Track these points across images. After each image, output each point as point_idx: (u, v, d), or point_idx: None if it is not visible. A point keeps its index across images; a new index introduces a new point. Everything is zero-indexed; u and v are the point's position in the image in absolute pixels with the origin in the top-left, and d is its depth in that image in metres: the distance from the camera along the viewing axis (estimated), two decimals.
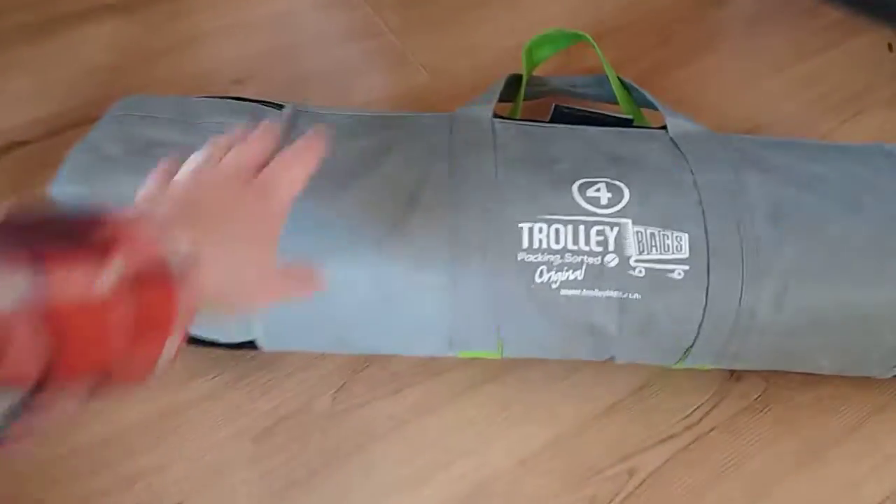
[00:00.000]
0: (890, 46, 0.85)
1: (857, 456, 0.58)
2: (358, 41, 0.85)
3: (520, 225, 0.50)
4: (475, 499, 0.55)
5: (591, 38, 0.68)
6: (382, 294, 0.50)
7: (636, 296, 0.49)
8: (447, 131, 0.56)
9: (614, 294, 0.49)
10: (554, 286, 0.49)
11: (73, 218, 0.31)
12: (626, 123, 0.59)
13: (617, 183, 0.51)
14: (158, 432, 0.56)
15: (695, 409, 0.60)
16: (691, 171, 0.53)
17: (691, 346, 0.52)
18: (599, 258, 0.49)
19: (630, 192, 0.51)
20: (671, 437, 0.59)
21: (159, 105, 0.57)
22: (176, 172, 0.41)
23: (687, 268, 0.49)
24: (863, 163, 0.57)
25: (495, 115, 0.58)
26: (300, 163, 0.43)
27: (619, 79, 0.67)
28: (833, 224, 0.51)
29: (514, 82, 0.67)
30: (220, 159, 0.42)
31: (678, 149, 0.55)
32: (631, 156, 0.54)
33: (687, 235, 0.49)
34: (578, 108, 0.60)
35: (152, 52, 0.81)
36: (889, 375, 0.56)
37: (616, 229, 0.49)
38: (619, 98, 0.67)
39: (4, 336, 0.25)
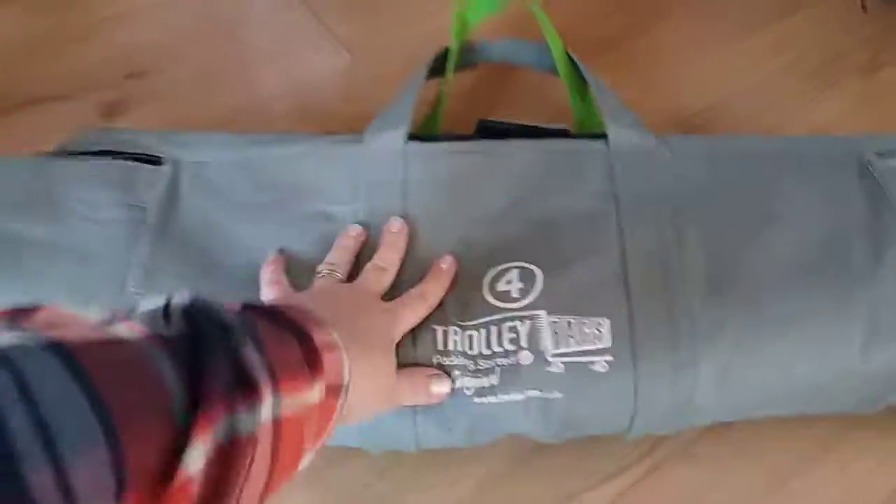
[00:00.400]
0: (864, 6, 0.76)
1: (824, 482, 0.52)
2: (269, 21, 0.76)
3: (434, 326, 0.45)
4: None
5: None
6: None
7: (557, 394, 0.45)
8: (353, 193, 0.50)
9: (533, 394, 0.45)
10: (468, 393, 0.45)
11: (290, 329, 0.31)
12: (561, 135, 0.52)
13: (530, 267, 0.46)
14: None
15: (648, 435, 0.54)
16: (620, 227, 0.47)
17: (627, 432, 0.48)
18: (513, 358, 0.44)
19: (544, 275, 0.45)
20: (622, 470, 0.54)
21: (8, 178, 0.49)
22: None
23: (611, 358, 0.44)
24: (831, 189, 0.49)
25: (412, 137, 0.51)
26: (422, 305, 0.45)
27: (566, 53, 0.58)
28: (783, 290, 0.45)
29: (443, 55, 0.59)
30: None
31: (612, 183, 0.48)
32: (552, 214, 0.48)
33: (608, 322, 0.44)
34: (504, 121, 0.53)
35: (38, 44, 0.74)
36: (873, 412, 0.50)
37: (528, 323, 0.44)
38: (562, 75, 0.58)
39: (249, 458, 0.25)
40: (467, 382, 0.44)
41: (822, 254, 0.46)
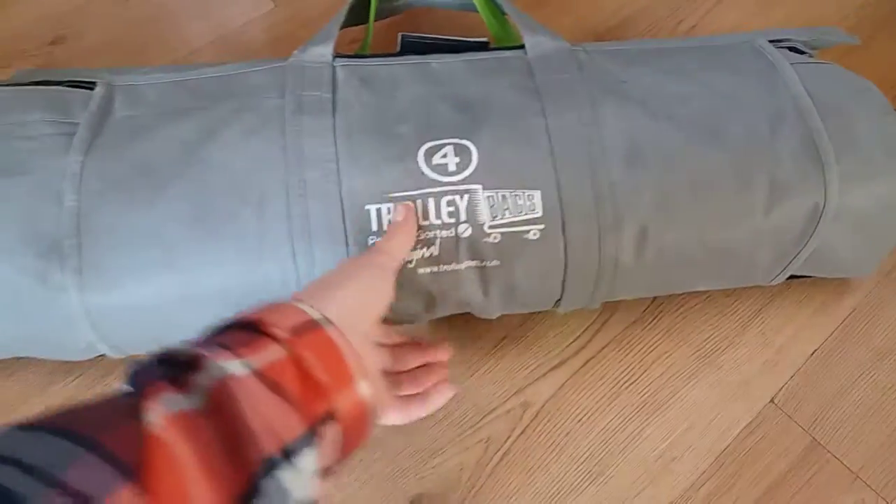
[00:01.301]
0: None
1: (749, 355, 0.57)
2: None
3: (367, 207, 0.47)
4: (369, 449, 0.54)
5: None
6: (228, 302, 0.46)
7: (495, 262, 0.48)
8: (280, 91, 0.51)
9: (473, 264, 0.48)
10: (410, 265, 0.47)
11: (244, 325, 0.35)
12: (481, 47, 0.55)
13: (464, 143, 0.48)
14: None
15: (584, 331, 0.59)
16: (543, 112, 0.49)
17: (559, 299, 0.51)
18: (452, 230, 0.47)
19: (478, 152, 0.47)
20: (562, 362, 0.58)
21: None
22: None
23: (542, 227, 0.47)
24: (729, 70, 0.53)
25: (338, 55, 0.53)
26: (406, 238, 0.46)
27: None
28: (692, 159, 0.49)
29: (363, 2, 0.61)
30: None
31: (532, 79, 0.51)
32: (480, 100, 0.50)
33: (539, 193, 0.47)
34: (426, 35, 0.55)
35: None
36: (774, 282, 0.56)
37: (466, 197, 0.47)
38: (478, 6, 0.61)
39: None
40: (408, 256, 0.47)
41: (725, 123, 0.50)
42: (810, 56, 0.57)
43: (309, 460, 0.31)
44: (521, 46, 0.54)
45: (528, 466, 0.53)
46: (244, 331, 0.34)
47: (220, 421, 0.28)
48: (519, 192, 0.47)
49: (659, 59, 0.54)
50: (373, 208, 0.46)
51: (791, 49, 0.56)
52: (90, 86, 0.52)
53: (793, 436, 0.55)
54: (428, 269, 0.47)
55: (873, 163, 0.50)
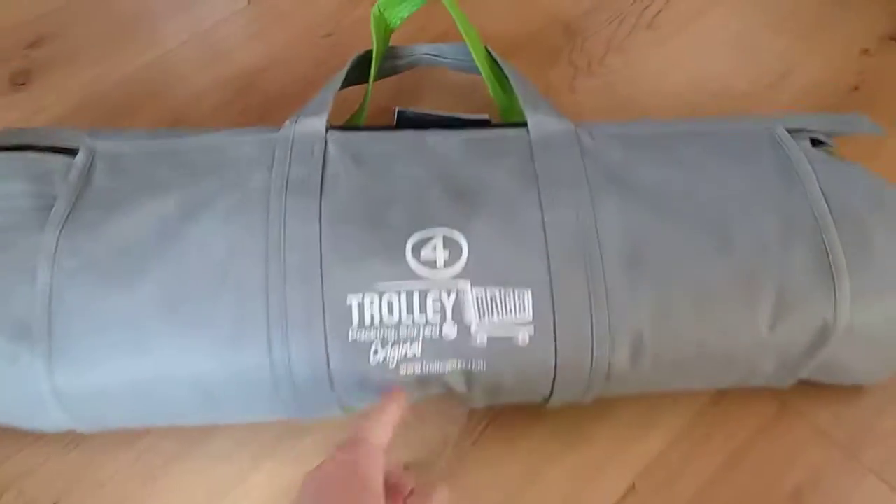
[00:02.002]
0: None
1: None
2: None
3: (349, 298, 0.45)
4: None
5: None
6: (201, 389, 0.46)
7: (481, 366, 0.45)
8: (268, 167, 0.49)
9: (458, 366, 0.45)
10: (391, 366, 0.45)
11: None
12: (482, 125, 0.53)
13: (455, 236, 0.46)
14: None
15: None
16: (541, 205, 0.47)
17: (548, 400, 0.49)
18: (437, 329, 0.45)
19: (469, 246, 0.45)
20: None
21: None
22: None
23: (532, 330, 0.45)
24: (743, 163, 0.50)
25: (331, 127, 0.51)
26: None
27: (486, 49, 0.59)
28: (696, 266, 0.46)
29: (365, 60, 0.59)
30: None
31: (532, 163, 0.49)
32: (475, 185, 0.48)
33: (530, 293, 0.45)
34: (424, 111, 0.53)
35: None
36: (780, 386, 0.53)
37: (453, 295, 0.45)
38: (483, 74, 0.59)
39: None
40: (390, 354, 0.44)
41: (733, 228, 0.47)
42: (830, 147, 0.54)
43: None
44: (525, 124, 0.52)
45: (510, 436, 0.54)
46: None
47: None
48: (510, 291, 0.45)
49: (666, 148, 0.51)
50: (354, 301, 0.44)
51: (812, 140, 0.53)
52: (73, 151, 0.50)
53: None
54: (409, 370, 0.45)
55: (889, 279, 0.47)
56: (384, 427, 0.42)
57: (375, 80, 0.61)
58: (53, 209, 0.47)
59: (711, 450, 0.54)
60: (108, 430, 0.52)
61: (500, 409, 0.55)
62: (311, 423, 0.54)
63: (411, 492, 0.42)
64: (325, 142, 0.50)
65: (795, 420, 0.56)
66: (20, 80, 0.72)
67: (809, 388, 0.56)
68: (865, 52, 0.76)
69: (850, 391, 0.56)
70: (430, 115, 0.53)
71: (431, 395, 0.48)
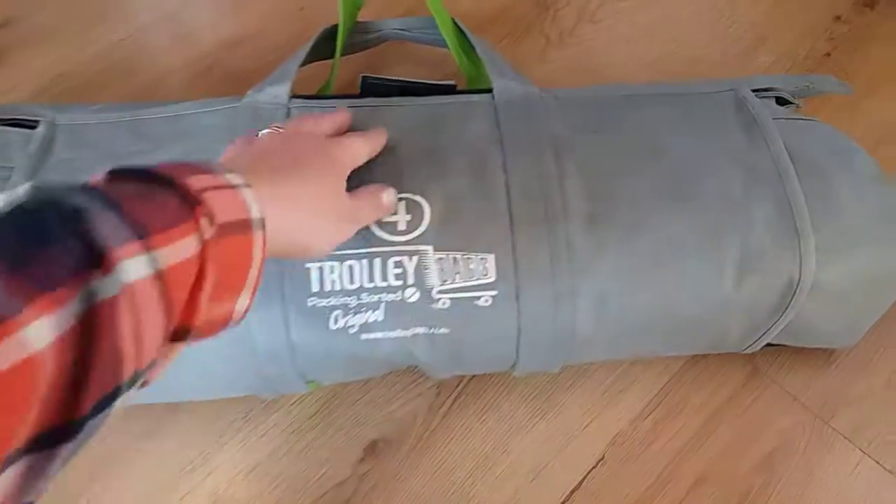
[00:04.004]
0: None
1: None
2: None
3: (307, 265, 0.44)
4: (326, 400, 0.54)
5: None
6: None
7: (444, 330, 0.45)
8: (231, 133, 0.47)
9: (420, 331, 0.45)
10: (352, 331, 0.44)
11: (156, 179, 0.30)
12: (447, 91, 0.52)
13: (417, 199, 0.45)
14: None
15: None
16: (505, 166, 0.46)
17: (514, 365, 0.49)
18: (399, 293, 0.44)
19: (431, 210, 0.45)
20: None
21: None
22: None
23: (495, 293, 0.44)
24: (707, 123, 0.50)
25: (295, 96, 0.50)
26: (365, 141, 0.44)
27: (454, 21, 0.58)
28: (660, 222, 0.45)
29: (332, 34, 0.58)
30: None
31: (498, 127, 0.48)
32: (439, 151, 0.47)
33: (493, 256, 0.44)
34: (389, 77, 0.52)
35: None
36: (748, 351, 0.53)
37: (415, 259, 0.44)
38: (450, 45, 0.58)
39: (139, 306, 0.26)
40: (351, 321, 0.44)
41: (697, 184, 0.47)
42: (797, 107, 0.54)
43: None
44: (491, 90, 0.51)
45: (480, 407, 0.54)
46: (179, 200, 0.29)
47: (88, 345, 0.25)
48: (472, 255, 0.44)
49: (632, 109, 0.51)
50: (314, 267, 0.44)
51: (778, 100, 0.53)
52: (33, 124, 0.49)
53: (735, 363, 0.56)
54: (371, 335, 0.44)
55: (853, 234, 0.46)
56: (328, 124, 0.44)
57: (343, 55, 0.60)
58: (9, 181, 0.46)
59: (683, 418, 0.54)
60: None
61: (469, 382, 0.55)
62: (277, 401, 0.54)
63: None
64: (288, 109, 0.49)
65: (767, 387, 0.56)
66: None
67: (780, 355, 0.56)
68: (838, 18, 0.76)
69: (820, 357, 0.56)
70: (394, 81, 0.52)
71: (397, 368, 0.48)
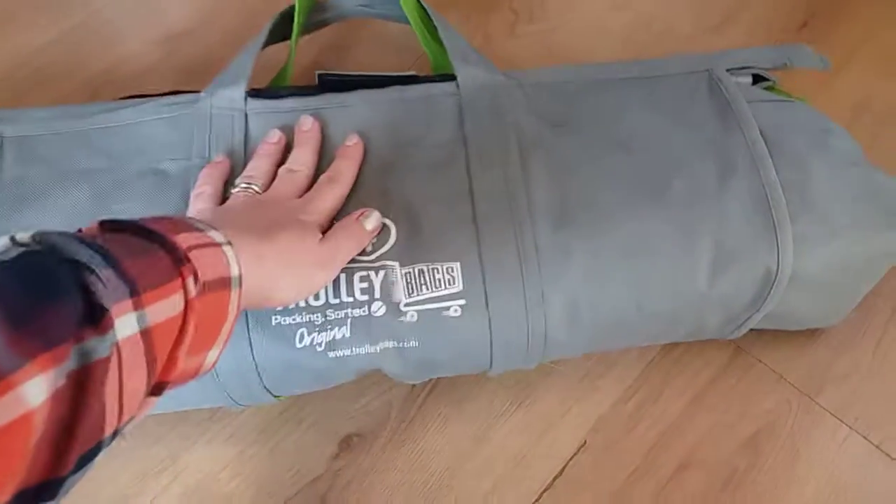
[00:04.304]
0: None
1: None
2: None
3: None
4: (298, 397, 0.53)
5: None
6: None
7: (413, 343, 0.43)
8: (186, 148, 0.47)
9: (389, 345, 0.44)
10: (319, 349, 0.43)
11: (148, 235, 0.31)
12: (408, 81, 0.50)
13: (385, 222, 0.44)
14: None
15: None
16: (468, 169, 0.45)
17: (488, 370, 0.48)
18: (365, 308, 0.43)
19: (397, 229, 0.44)
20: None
21: None
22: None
23: (463, 302, 0.43)
24: (679, 109, 0.48)
25: (252, 92, 0.49)
26: (332, 190, 0.44)
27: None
28: (629, 219, 0.44)
29: (290, 15, 0.56)
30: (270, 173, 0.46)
31: (461, 126, 0.47)
32: (401, 158, 0.46)
33: (459, 265, 0.43)
34: (346, 73, 0.51)
35: None
36: (731, 337, 0.52)
37: (382, 273, 0.43)
38: (412, 23, 0.56)
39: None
40: (317, 339, 0.43)
41: (669, 178, 0.45)
42: (772, 82, 0.52)
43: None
44: (454, 77, 0.49)
45: (456, 397, 0.53)
46: (170, 258, 0.30)
47: (77, 403, 0.25)
48: (437, 266, 0.43)
49: (601, 97, 0.49)
50: None
51: (754, 77, 0.51)
52: None
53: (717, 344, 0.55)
54: (339, 353, 0.43)
55: (832, 222, 0.44)
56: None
57: (301, 34, 0.57)
58: None
59: (665, 400, 0.53)
60: None
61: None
62: None
63: None
64: (245, 115, 0.48)
65: (752, 365, 0.55)
66: None
67: (764, 334, 0.55)
68: None
69: (805, 335, 0.55)
70: (353, 76, 0.51)
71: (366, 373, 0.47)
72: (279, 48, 0.58)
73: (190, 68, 0.69)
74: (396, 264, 0.43)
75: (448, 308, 0.43)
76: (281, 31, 0.56)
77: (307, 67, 0.65)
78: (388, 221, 0.44)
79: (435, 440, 0.52)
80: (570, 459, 0.51)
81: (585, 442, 0.52)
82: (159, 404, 0.47)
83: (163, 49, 0.70)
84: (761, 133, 0.46)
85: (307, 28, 0.59)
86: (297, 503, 0.50)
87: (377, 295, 0.43)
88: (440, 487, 0.50)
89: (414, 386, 0.53)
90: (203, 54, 0.70)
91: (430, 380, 0.54)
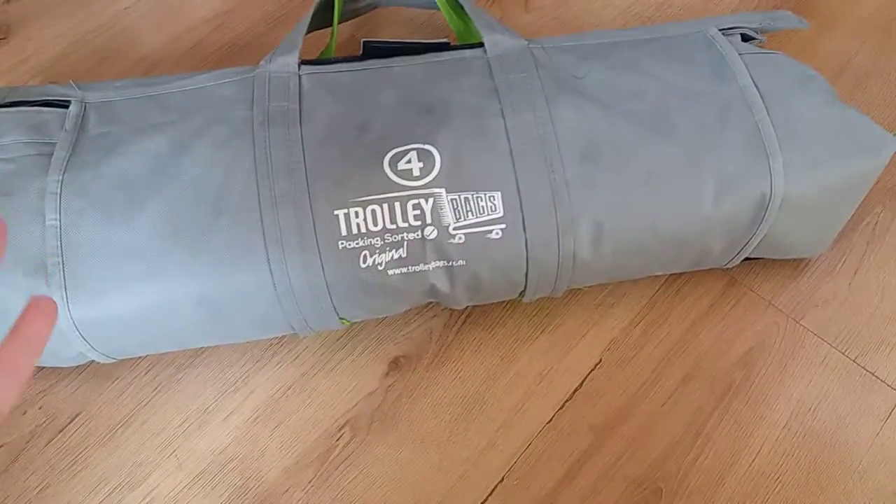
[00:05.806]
0: None
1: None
2: None
3: (335, 212, 0.49)
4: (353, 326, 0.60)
5: None
6: (208, 309, 0.50)
7: (461, 262, 0.50)
8: (249, 103, 0.53)
9: (440, 264, 0.50)
10: (380, 268, 0.50)
11: None
12: (442, 48, 0.57)
13: (427, 148, 0.50)
14: None
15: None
16: (502, 113, 0.52)
17: (524, 291, 0.54)
18: (419, 232, 0.49)
19: (441, 157, 0.50)
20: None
21: None
22: None
23: (504, 226, 0.50)
24: (681, 62, 0.55)
25: (303, 62, 0.55)
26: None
27: None
28: (645, 153, 0.51)
29: (327, 4, 0.63)
30: None
31: (492, 78, 0.54)
32: (441, 103, 0.52)
33: (500, 194, 0.50)
34: (387, 40, 0.57)
35: None
36: (729, 266, 0.59)
37: (431, 200, 0.49)
38: (439, 4, 0.63)
39: None
40: (378, 259, 0.49)
41: (677, 119, 0.52)
42: (760, 41, 0.59)
43: None
44: (482, 44, 0.56)
45: (488, 324, 0.60)
46: None
47: None
48: (481, 194, 0.50)
49: (613, 54, 0.56)
50: (341, 213, 0.49)
51: (743, 36, 0.58)
52: (65, 103, 0.53)
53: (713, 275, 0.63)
54: (397, 270, 0.50)
55: (815, 151, 0.52)
56: None
57: (339, 23, 0.64)
58: (54, 155, 0.50)
59: (669, 324, 0.61)
60: (127, 358, 0.57)
61: (478, 304, 0.61)
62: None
63: None
64: (300, 77, 0.54)
65: (744, 294, 0.62)
66: (1, 35, 0.75)
67: (755, 266, 0.62)
68: None
69: (791, 266, 0.63)
70: (393, 42, 0.57)
71: (418, 305, 0.53)
72: (316, 37, 0.64)
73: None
74: (443, 191, 0.49)
75: (491, 231, 0.50)
76: (318, 20, 0.62)
77: (343, 49, 0.71)
78: (432, 148, 0.50)
79: (471, 361, 0.59)
80: (588, 375, 0.59)
81: (601, 360, 0.59)
82: (239, 335, 0.55)
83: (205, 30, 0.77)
84: (752, 80, 0.54)
85: (341, 18, 0.66)
86: (355, 414, 0.57)
87: (429, 220, 0.49)
88: (477, 400, 0.58)
89: (451, 314, 0.61)
90: (243, 34, 0.76)
91: (466, 309, 0.61)
